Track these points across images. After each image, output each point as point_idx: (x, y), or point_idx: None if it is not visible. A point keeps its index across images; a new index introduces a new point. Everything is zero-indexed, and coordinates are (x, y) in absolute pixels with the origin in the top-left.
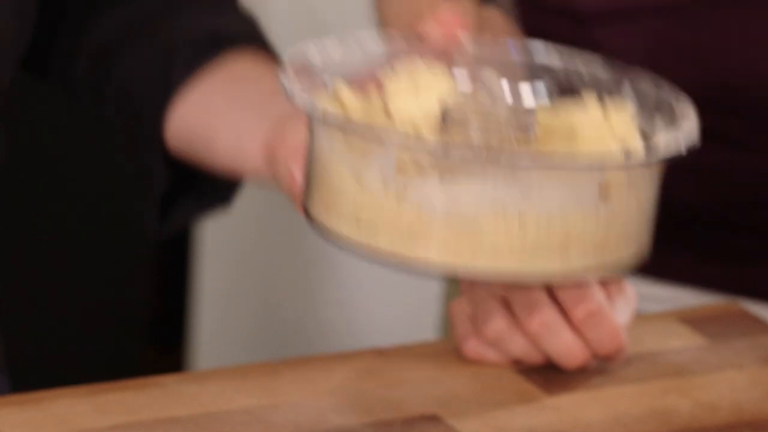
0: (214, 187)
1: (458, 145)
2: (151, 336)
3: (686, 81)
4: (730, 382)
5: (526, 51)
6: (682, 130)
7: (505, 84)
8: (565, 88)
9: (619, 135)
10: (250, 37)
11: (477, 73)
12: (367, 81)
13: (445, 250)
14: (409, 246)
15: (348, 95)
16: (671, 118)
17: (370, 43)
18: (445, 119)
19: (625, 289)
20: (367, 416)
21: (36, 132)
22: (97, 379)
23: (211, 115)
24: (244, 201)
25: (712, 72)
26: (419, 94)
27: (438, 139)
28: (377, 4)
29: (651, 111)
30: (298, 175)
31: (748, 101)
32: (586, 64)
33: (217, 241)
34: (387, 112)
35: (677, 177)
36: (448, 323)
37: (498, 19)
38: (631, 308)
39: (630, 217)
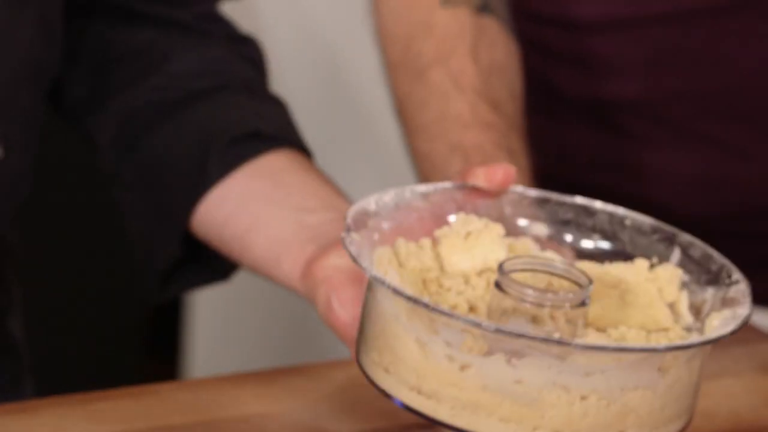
0: (217, 263)
1: (523, 330)
2: (146, 345)
3: (683, 89)
4: (727, 390)
5: (577, 211)
6: (737, 315)
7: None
8: (612, 253)
9: (667, 299)
10: (286, 134)
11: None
12: (422, 233)
13: (506, 426)
14: (471, 419)
15: (405, 249)
16: (720, 288)
17: (424, 193)
18: (500, 280)
19: None
20: (362, 424)
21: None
22: (91, 387)
23: (249, 217)
24: None
25: (709, 80)
26: (473, 250)
27: (505, 325)
28: (374, 15)
29: (698, 277)
30: (342, 314)
31: (746, 110)
32: (634, 229)
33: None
34: (441, 268)
35: (676, 186)
36: None
37: (495, 28)
38: None
39: (684, 390)
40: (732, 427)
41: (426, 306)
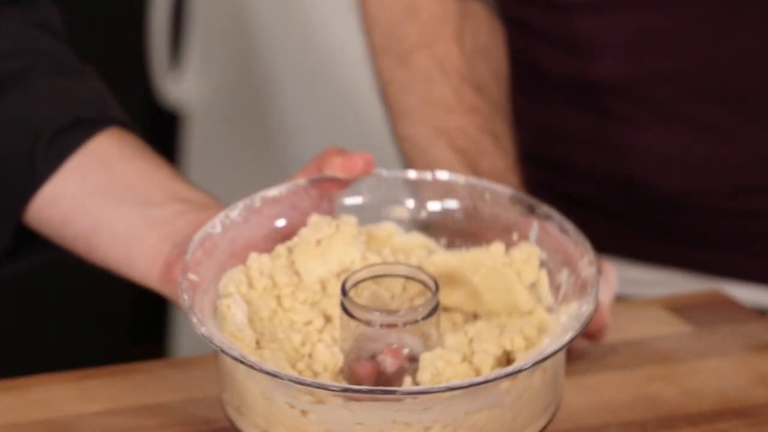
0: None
1: (356, 387)
2: (131, 328)
3: (668, 70)
4: (715, 369)
5: (437, 187)
6: (581, 314)
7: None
8: (467, 230)
9: (527, 280)
10: (108, 113)
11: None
12: (276, 241)
13: None
14: None
15: (258, 265)
16: (573, 273)
17: (275, 197)
18: (346, 305)
19: (607, 270)
20: None
21: None
22: (78, 368)
23: (90, 217)
24: (225, 195)
25: (692, 62)
26: (327, 255)
27: (326, 382)
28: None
29: (554, 257)
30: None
31: (731, 91)
32: (493, 201)
33: None
34: (296, 272)
35: (659, 166)
36: None
37: (480, 11)
38: (612, 289)
39: (537, 393)
40: (720, 407)
41: (252, 366)
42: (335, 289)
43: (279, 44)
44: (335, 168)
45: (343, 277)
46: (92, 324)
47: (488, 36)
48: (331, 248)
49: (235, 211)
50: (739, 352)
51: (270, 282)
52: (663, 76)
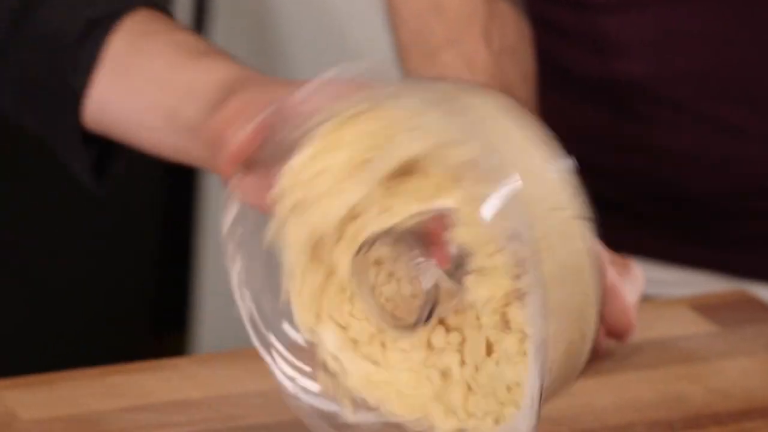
0: None
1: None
2: (152, 323)
3: (693, 70)
4: (741, 369)
5: None
6: None
7: None
8: None
9: None
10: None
11: None
12: None
13: None
14: None
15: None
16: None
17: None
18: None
19: (632, 270)
20: None
21: None
22: (99, 364)
23: (128, 109)
24: None
25: (720, 61)
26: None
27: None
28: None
29: None
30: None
31: (756, 91)
32: None
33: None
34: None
35: (684, 166)
36: None
37: (507, 10)
38: (639, 288)
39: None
40: (746, 407)
41: None
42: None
43: (302, 41)
44: None
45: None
46: (114, 317)
47: (515, 35)
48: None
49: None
50: (764, 352)
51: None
52: (688, 76)
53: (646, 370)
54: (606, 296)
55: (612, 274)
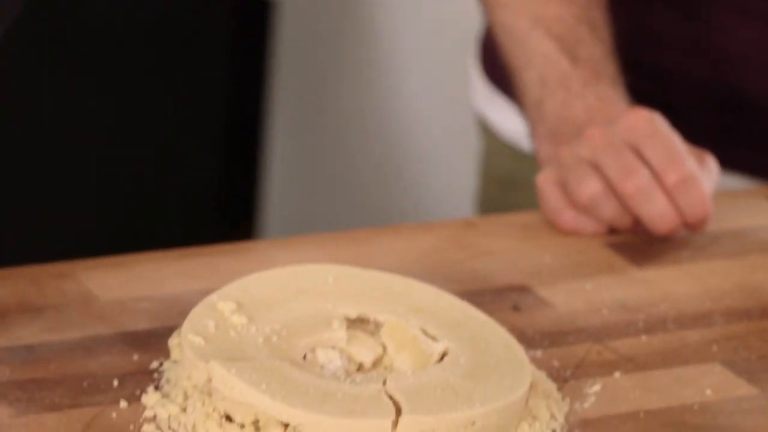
0: None
1: None
2: (220, 213)
3: None
4: None
5: None
6: None
7: None
8: None
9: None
10: None
11: None
12: None
13: None
14: None
15: None
16: None
17: None
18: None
19: (708, 161)
20: (456, 286)
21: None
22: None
23: None
24: (315, 69)
25: None
26: None
27: None
28: None
29: None
30: None
31: None
32: None
33: (288, 114)
34: None
35: (755, 72)
36: (537, 196)
37: None
38: (714, 179)
39: None
40: None
41: None
42: None
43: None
44: None
45: None
46: (182, 206)
47: None
48: None
49: None
50: None
51: None
52: None
53: (724, 260)
54: (683, 185)
55: (691, 163)
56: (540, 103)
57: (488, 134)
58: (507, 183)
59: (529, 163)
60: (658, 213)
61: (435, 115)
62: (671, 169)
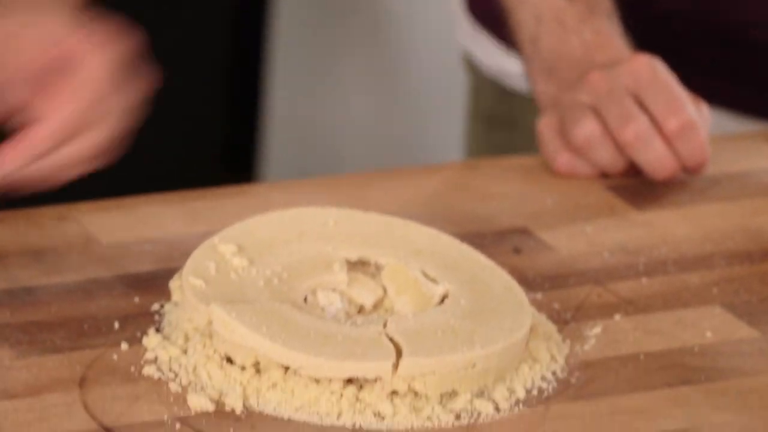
0: None
1: None
2: (221, 156)
3: None
4: None
5: None
6: None
7: None
8: None
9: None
10: None
11: None
12: None
13: None
14: None
15: None
16: None
17: None
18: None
19: (702, 109)
20: (456, 228)
21: None
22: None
23: None
24: (313, 14)
25: None
26: None
27: None
28: None
29: None
30: None
31: None
32: None
33: (287, 58)
34: None
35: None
36: (538, 141)
37: None
38: (708, 124)
39: None
40: None
41: None
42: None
43: None
44: None
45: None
46: (183, 151)
47: None
48: None
49: None
50: None
51: None
52: None
53: (724, 203)
54: (683, 132)
55: (691, 110)
56: (535, 40)
57: (473, 71)
58: (492, 120)
59: (513, 100)
60: (656, 159)
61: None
62: (671, 116)
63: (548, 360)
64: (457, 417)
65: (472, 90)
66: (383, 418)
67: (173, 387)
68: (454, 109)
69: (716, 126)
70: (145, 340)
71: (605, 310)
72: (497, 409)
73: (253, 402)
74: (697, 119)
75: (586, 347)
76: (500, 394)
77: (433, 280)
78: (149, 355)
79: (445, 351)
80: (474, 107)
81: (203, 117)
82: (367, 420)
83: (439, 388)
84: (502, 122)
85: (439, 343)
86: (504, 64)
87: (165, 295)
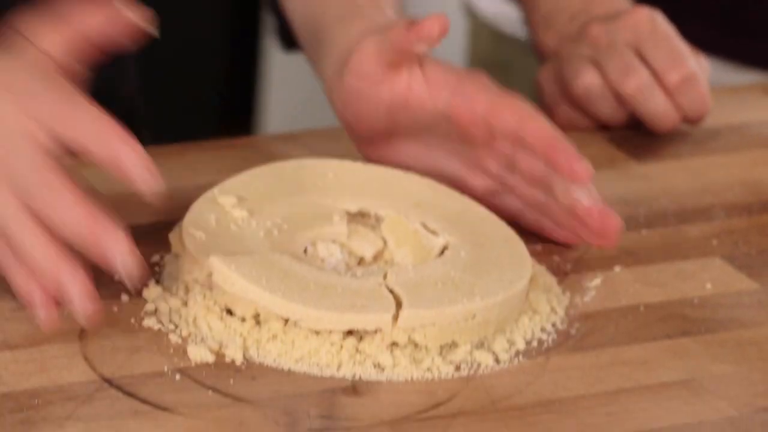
0: None
1: None
2: (221, 108)
3: None
4: None
5: None
6: None
7: None
8: None
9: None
10: None
11: None
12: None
13: None
14: None
15: None
16: None
17: None
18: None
19: (701, 60)
20: None
21: None
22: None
23: None
24: None
25: None
26: None
27: None
28: None
29: None
30: None
31: None
32: None
33: None
34: None
35: None
36: (536, 92)
37: None
38: (707, 75)
39: None
40: None
41: None
42: None
43: None
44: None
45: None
46: (183, 104)
47: None
48: None
49: None
50: None
51: None
52: None
53: (724, 155)
54: (685, 84)
55: (692, 62)
56: None
57: (472, 16)
58: (490, 66)
59: (511, 45)
60: (658, 112)
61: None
62: (672, 69)
63: (548, 311)
64: (457, 368)
65: (471, 35)
66: (383, 370)
67: (173, 338)
68: (453, 54)
69: (712, 77)
70: (145, 292)
71: (605, 262)
72: (497, 360)
73: (253, 353)
74: (698, 71)
75: (586, 299)
76: (500, 345)
77: (433, 232)
78: (149, 307)
79: (445, 303)
80: (472, 52)
81: (203, 69)
82: (367, 371)
83: (439, 340)
84: (499, 67)
85: (439, 294)
86: (502, 9)
87: (165, 246)
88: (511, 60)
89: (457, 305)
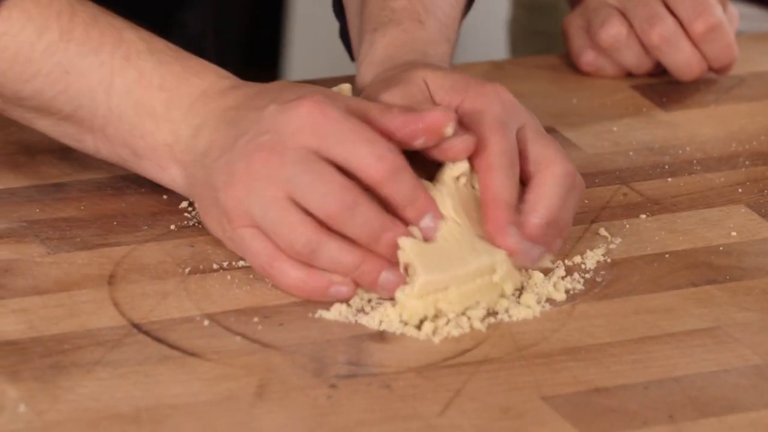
0: None
1: None
2: (245, 58)
3: None
4: None
5: None
6: None
7: None
8: None
9: None
10: None
11: None
12: None
13: None
14: None
15: None
16: None
17: None
18: None
19: (729, 7)
20: None
21: None
22: None
23: None
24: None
25: None
26: None
27: None
28: None
29: None
30: None
31: None
32: None
33: None
34: None
35: None
36: (562, 38)
37: None
38: (735, 23)
39: None
40: None
41: None
42: None
43: None
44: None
45: None
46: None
47: None
48: None
49: None
50: None
51: None
52: None
53: (749, 102)
54: (711, 33)
55: (718, 11)
56: None
57: None
58: (534, 7)
59: None
60: (684, 61)
61: None
62: (698, 18)
63: (578, 261)
64: (485, 317)
65: None
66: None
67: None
68: None
69: (743, 24)
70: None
71: (631, 210)
72: (525, 307)
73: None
74: (723, 20)
75: (612, 246)
76: (526, 294)
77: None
78: None
79: (458, 265)
80: None
81: (227, 15)
82: (393, 326)
83: (462, 303)
84: (543, 8)
85: (453, 257)
86: None
87: None
88: (554, 1)
89: (470, 265)
